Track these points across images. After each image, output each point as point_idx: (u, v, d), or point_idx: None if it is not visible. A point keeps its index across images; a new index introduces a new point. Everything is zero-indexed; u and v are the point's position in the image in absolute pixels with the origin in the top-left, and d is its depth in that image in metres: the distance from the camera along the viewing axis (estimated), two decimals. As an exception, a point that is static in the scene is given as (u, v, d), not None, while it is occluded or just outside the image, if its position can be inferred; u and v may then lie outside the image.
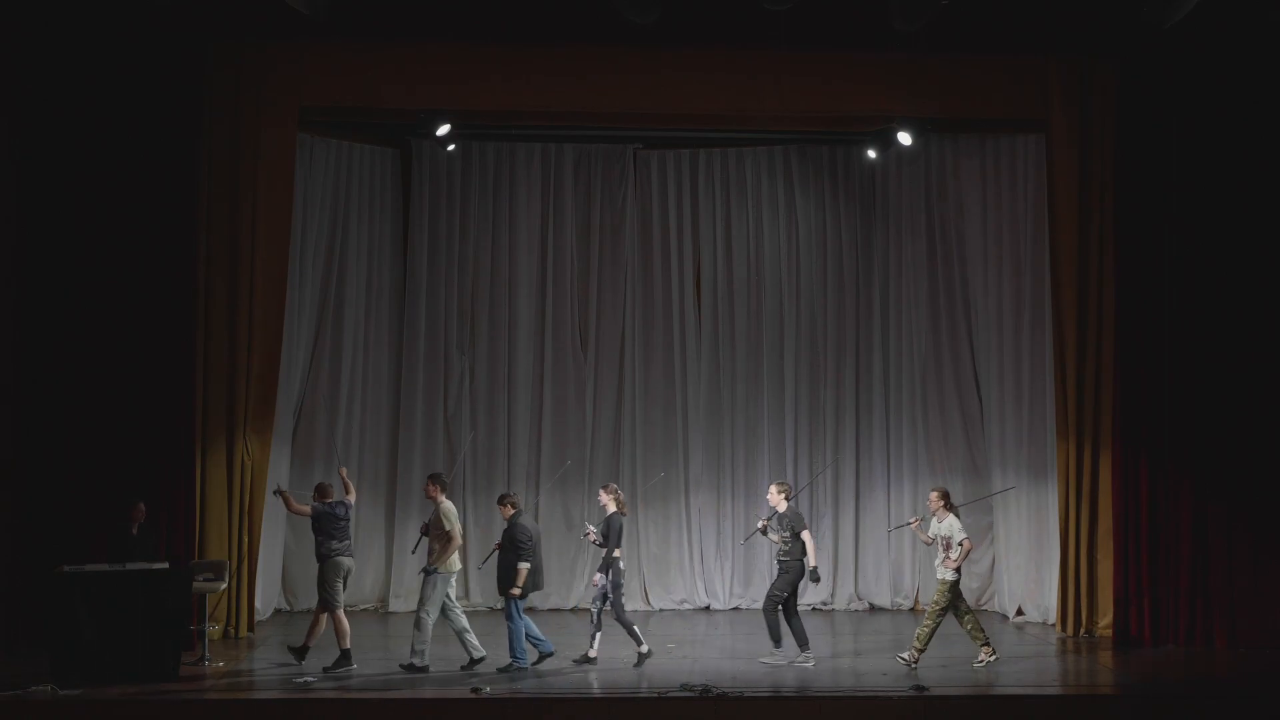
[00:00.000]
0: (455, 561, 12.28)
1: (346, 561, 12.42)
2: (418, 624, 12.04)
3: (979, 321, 15.89)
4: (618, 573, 12.29)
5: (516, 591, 11.94)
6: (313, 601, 14.16)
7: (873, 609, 16.10)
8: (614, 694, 11.12)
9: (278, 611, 15.37)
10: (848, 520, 16.26)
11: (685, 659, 12.66)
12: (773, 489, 12.62)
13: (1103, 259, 13.84)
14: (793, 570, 12.29)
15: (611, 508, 12.46)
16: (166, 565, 11.99)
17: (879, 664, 12.44)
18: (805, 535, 12.27)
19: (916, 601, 16.16)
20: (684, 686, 11.13)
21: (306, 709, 10.88)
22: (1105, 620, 13.82)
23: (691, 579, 16.16)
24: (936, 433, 16.22)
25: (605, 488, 12.76)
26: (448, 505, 12.28)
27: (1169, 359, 13.64)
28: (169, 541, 13.00)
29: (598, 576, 12.38)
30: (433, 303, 16.21)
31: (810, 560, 12.26)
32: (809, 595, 16.11)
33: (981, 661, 12.14)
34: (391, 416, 16.17)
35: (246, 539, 13.59)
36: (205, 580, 12.47)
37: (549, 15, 13.46)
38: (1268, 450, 13.56)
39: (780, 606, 12.35)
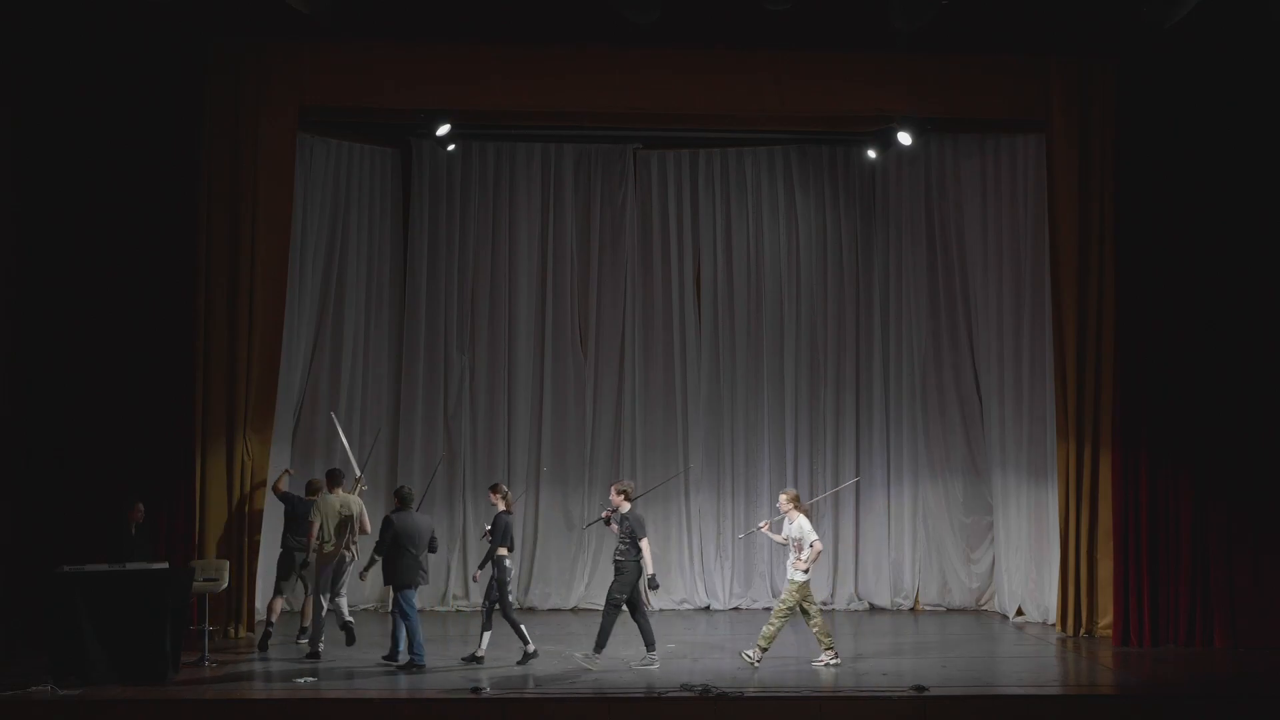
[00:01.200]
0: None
1: (300, 555, 13.17)
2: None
3: (979, 321, 15.89)
4: (503, 570, 12.38)
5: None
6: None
7: (872, 609, 16.10)
8: (614, 694, 11.10)
9: (278, 611, 15.36)
10: (848, 520, 16.26)
11: (685, 659, 12.65)
12: (612, 489, 12.63)
13: (1103, 259, 13.83)
14: (629, 571, 12.20)
15: (501, 506, 12.60)
16: (165, 565, 11.99)
17: (879, 664, 12.44)
18: (644, 544, 12.17)
19: (916, 601, 16.17)
20: (684, 686, 11.13)
21: (306, 709, 10.86)
22: (1105, 620, 13.81)
23: (691, 579, 16.16)
24: (936, 433, 16.22)
25: (494, 488, 12.87)
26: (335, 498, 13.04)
27: (1169, 359, 13.64)
28: (168, 541, 13.01)
29: (477, 573, 12.49)
30: (433, 303, 16.21)
31: (647, 568, 12.17)
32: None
33: (822, 662, 12.15)
34: (391, 416, 16.17)
35: (246, 539, 13.60)
36: (205, 580, 12.48)
37: (549, 15, 13.46)
38: (1268, 450, 13.55)
39: (621, 609, 12.25)
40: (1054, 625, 14.36)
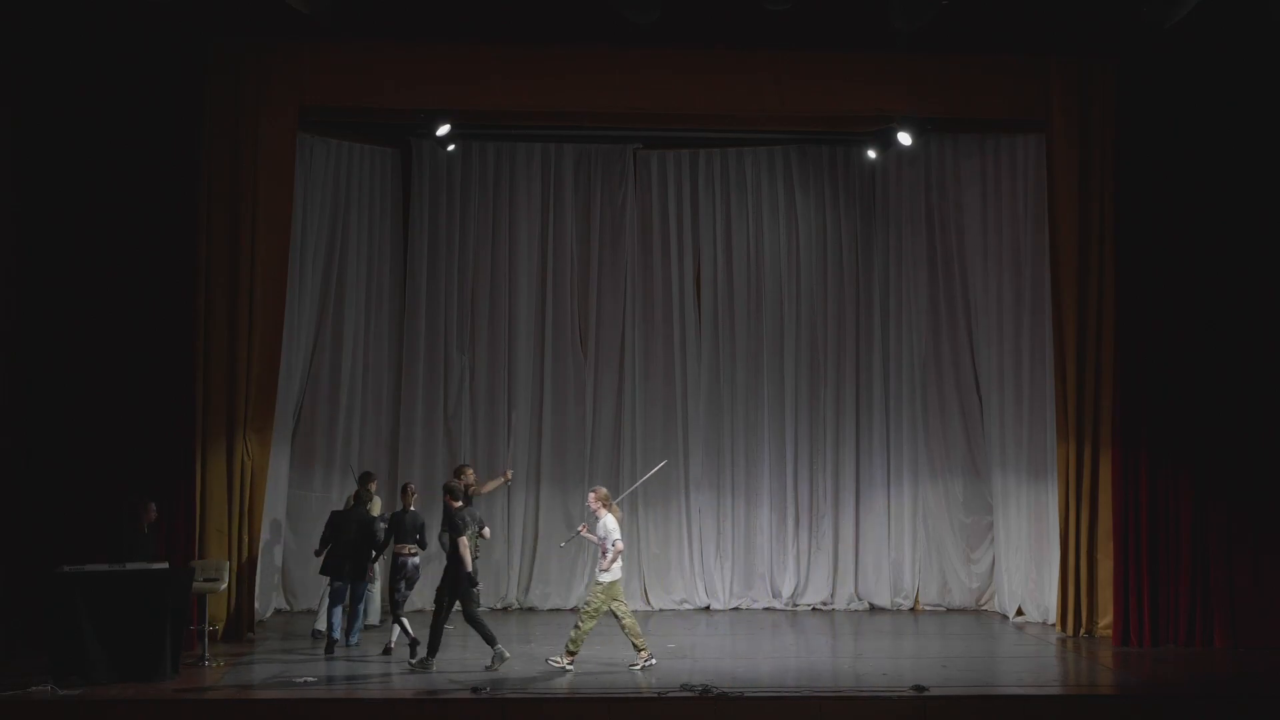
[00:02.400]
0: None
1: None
2: None
3: (979, 321, 15.88)
4: (401, 569, 12.89)
5: None
6: (312, 601, 14.31)
7: (872, 609, 16.09)
8: (614, 694, 11.12)
9: (278, 611, 15.35)
10: (848, 520, 16.24)
11: (685, 659, 12.65)
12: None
13: (1103, 259, 13.83)
14: (448, 569, 12.25)
15: (413, 506, 13.14)
16: (166, 565, 11.99)
17: (879, 664, 12.45)
18: (462, 540, 12.17)
19: (916, 601, 16.16)
20: (684, 686, 11.13)
21: (306, 709, 10.87)
22: (1105, 620, 13.81)
23: (691, 579, 16.15)
24: (936, 433, 16.22)
25: (404, 490, 13.34)
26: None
27: (1169, 359, 13.64)
28: (169, 541, 12.99)
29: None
30: (433, 303, 16.21)
31: (466, 564, 12.13)
32: (809, 595, 16.18)
33: (637, 665, 12.04)
34: (391, 416, 16.16)
35: (246, 539, 13.59)
36: (205, 580, 12.49)
37: (549, 15, 13.46)
38: (1268, 450, 13.55)
39: (447, 607, 12.26)
40: (1054, 625, 14.35)
